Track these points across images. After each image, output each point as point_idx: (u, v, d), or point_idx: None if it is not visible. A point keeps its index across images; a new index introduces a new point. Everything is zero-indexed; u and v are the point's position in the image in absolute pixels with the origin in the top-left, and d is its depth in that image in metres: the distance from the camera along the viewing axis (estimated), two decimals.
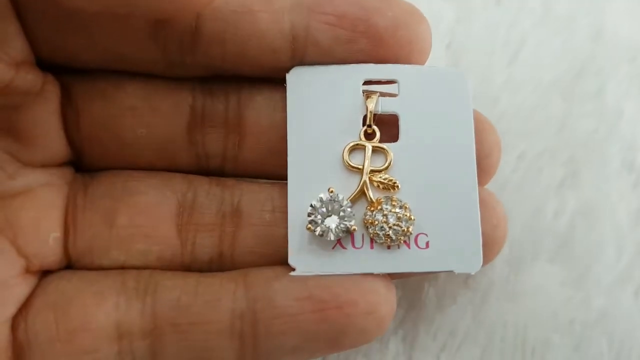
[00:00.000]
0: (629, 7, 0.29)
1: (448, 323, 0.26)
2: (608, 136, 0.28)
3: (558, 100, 0.29)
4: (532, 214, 0.27)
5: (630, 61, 0.29)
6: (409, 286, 0.27)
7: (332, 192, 0.23)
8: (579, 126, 0.28)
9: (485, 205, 0.23)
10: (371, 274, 0.22)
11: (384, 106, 0.23)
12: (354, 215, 0.23)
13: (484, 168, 0.23)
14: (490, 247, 0.23)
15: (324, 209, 0.22)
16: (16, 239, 0.23)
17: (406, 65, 0.23)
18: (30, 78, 0.22)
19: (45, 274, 0.23)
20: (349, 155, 0.23)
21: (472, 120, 0.23)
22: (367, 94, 0.23)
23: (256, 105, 0.23)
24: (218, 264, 0.23)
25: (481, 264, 0.23)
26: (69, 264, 0.24)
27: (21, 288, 0.23)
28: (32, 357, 0.22)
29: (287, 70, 0.23)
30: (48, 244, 0.23)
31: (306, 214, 0.22)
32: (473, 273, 0.23)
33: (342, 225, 0.22)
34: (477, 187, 0.23)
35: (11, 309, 0.22)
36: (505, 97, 0.29)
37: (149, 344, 0.22)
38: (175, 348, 0.22)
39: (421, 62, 0.23)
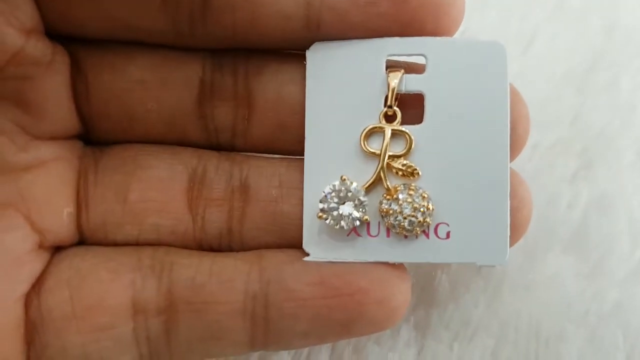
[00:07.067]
0: None
1: (461, 312, 0.26)
2: (622, 128, 0.28)
3: (571, 92, 0.29)
4: (546, 205, 0.27)
5: None
6: (421, 273, 0.26)
7: (344, 180, 0.22)
8: (592, 118, 0.28)
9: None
10: (386, 263, 0.22)
11: (409, 84, 0.22)
12: (367, 204, 0.22)
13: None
14: (511, 231, 0.21)
15: (336, 198, 0.22)
16: (30, 213, 0.22)
17: (436, 38, 0.21)
18: (41, 47, 0.21)
19: (57, 250, 0.23)
20: (367, 139, 0.22)
21: (508, 101, 0.21)
22: (390, 71, 0.22)
23: (264, 79, 0.23)
24: (227, 240, 0.23)
25: (507, 256, 0.21)
26: (82, 240, 0.23)
27: (34, 264, 0.22)
28: (45, 335, 0.22)
29: (300, 40, 0.22)
30: (62, 219, 0.23)
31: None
32: (497, 266, 0.21)
33: (354, 215, 0.22)
34: (508, 174, 0.21)
35: (24, 285, 0.22)
36: (518, 87, 0.28)
37: (164, 321, 0.22)
38: (189, 326, 0.22)
39: (450, 29, 0.21)
